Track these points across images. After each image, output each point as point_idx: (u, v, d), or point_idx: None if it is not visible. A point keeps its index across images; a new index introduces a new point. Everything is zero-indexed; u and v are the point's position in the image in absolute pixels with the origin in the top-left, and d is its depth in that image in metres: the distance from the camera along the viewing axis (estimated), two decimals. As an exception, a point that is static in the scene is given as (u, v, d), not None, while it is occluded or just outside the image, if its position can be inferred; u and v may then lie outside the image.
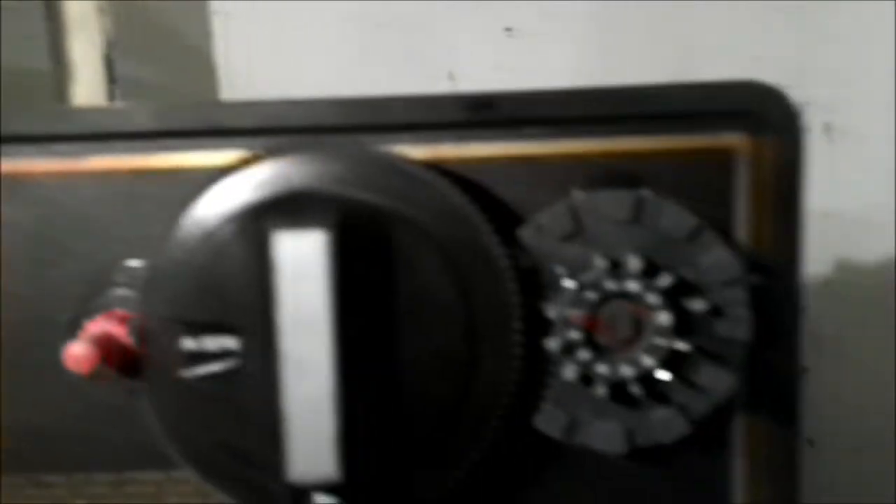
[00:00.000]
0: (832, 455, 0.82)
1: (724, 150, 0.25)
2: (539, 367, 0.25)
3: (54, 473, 0.27)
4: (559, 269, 0.25)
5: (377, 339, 0.23)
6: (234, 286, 0.23)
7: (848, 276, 0.79)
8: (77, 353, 0.23)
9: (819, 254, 0.84)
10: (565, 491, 0.26)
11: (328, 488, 0.23)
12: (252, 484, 0.24)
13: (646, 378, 0.25)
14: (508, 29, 0.82)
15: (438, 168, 0.25)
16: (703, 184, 0.25)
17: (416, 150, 0.25)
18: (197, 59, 0.72)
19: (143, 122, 0.25)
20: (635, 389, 0.25)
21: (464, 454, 0.24)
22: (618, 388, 0.25)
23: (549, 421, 0.25)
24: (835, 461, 0.82)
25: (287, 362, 0.22)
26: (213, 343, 0.24)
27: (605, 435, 0.25)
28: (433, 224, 0.24)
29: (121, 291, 0.26)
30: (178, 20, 0.71)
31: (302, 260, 0.22)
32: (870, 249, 0.74)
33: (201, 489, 0.27)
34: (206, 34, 0.72)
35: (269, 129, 0.25)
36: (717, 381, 0.25)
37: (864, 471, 0.76)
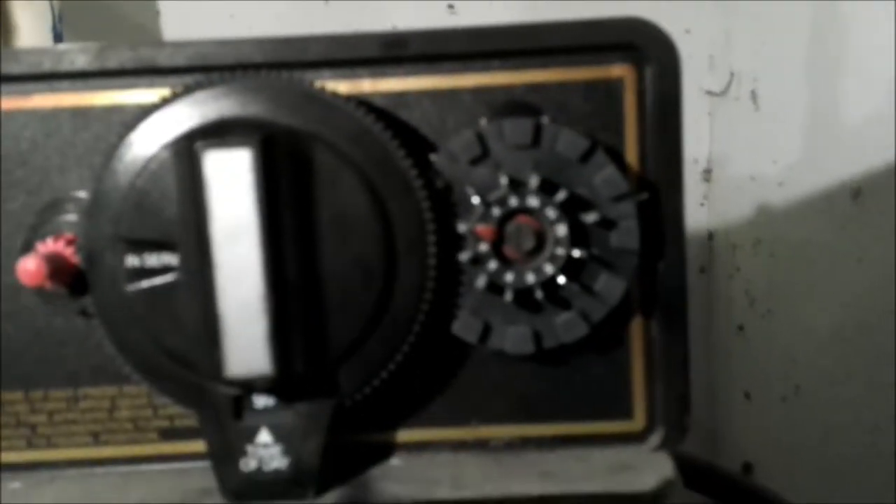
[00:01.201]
0: (765, 405, 0.86)
1: (612, 80, 0.28)
2: (453, 279, 0.28)
3: (13, 391, 0.29)
4: (468, 190, 0.28)
5: (303, 249, 0.26)
6: (170, 206, 0.26)
7: (774, 236, 0.83)
8: (28, 267, 0.25)
9: (748, 215, 0.88)
10: (479, 393, 0.29)
11: (262, 384, 0.26)
12: (196, 388, 0.27)
13: (548, 285, 0.28)
14: (451, 6, 0.85)
15: (357, 99, 0.27)
16: (594, 111, 0.28)
17: (336, 85, 0.28)
18: (143, 37, 0.73)
19: (84, 61, 0.28)
20: (539, 295, 0.27)
21: (386, 357, 0.27)
22: (524, 296, 0.28)
23: (464, 327, 0.28)
24: (767, 411, 0.86)
25: (221, 270, 0.25)
26: (153, 259, 0.26)
27: (515, 338, 0.28)
28: (352, 148, 0.27)
29: (67, 218, 0.28)
30: (125, -2, 0.72)
31: (230, 176, 0.25)
32: (793, 208, 0.78)
33: (152, 402, 0.29)
34: (154, 13, 0.73)
35: (199, 67, 0.28)
36: (612, 286, 0.28)
37: (795, 419, 0.80)
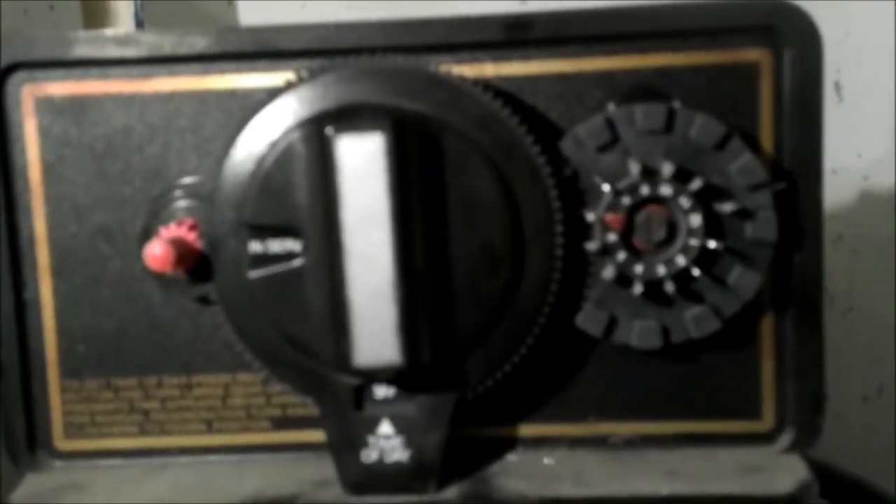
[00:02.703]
0: (845, 406, 0.84)
1: (748, 63, 0.27)
2: (580, 270, 0.27)
3: (127, 377, 0.29)
4: (597, 177, 0.27)
5: (432, 236, 0.25)
6: (296, 191, 0.25)
7: (857, 231, 0.80)
8: (156, 252, 0.25)
9: (829, 210, 0.86)
10: (604, 387, 0.28)
11: (388, 374, 0.25)
12: (317, 377, 0.26)
13: (679, 277, 0.26)
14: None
15: (483, 83, 0.26)
16: (729, 96, 0.27)
17: (458, 69, 0.27)
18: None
19: (205, 44, 0.27)
20: (670, 288, 0.26)
21: (512, 348, 0.26)
22: (653, 288, 0.27)
23: (589, 320, 0.27)
24: (847, 412, 0.83)
25: (351, 257, 0.24)
26: (277, 245, 0.26)
27: (642, 332, 0.27)
28: (479, 134, 0.26)
29: (186, 204, 0.27)
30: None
31: (363, 161, 0.24)
32: (878, 204, 0.76)
33: (265, 390, 0.29)
34: (228, 2, 0.73)
35: (320, 50, 0.27)
36: (746, 280, 0.27)
37: (876, 421, 0.78)
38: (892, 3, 0.71)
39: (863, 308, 0.80)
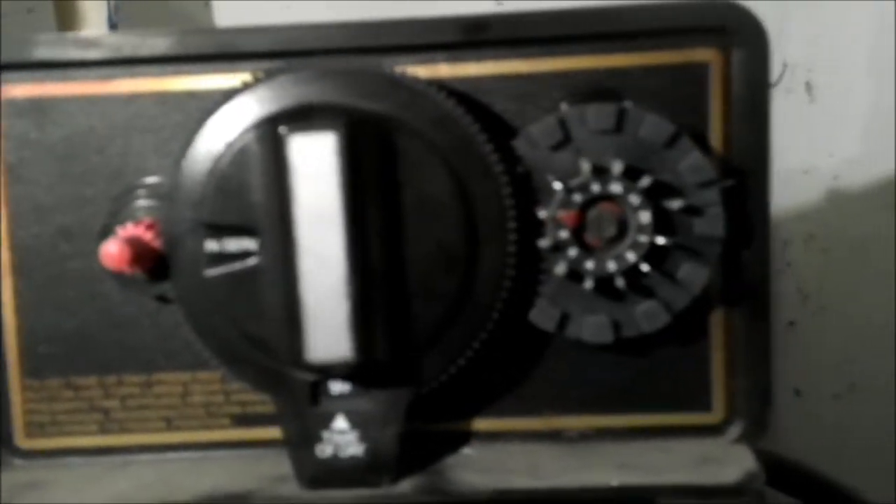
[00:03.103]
0: (817, 403, 0.85)
1: (699, 64, 0.28)
2: (533, 266, 0.28)
3: (87, 376, 0.29)
4: (549, 176, 0.27)
5: (386, 234, 0.25)
6: (252, 191, 0.25)
7: (828, 231, 0.81)
8: (112, 250, 0.25)
9: (800, 209, 0.87)
10: (558, 381, 0.29)
11: (342, 369, 0.25)
12: (273, 373, 0.27)
13: (630, 273, 0.27)
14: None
15: (438, 84, 0.27)
16: (680, 95, 0.28)
17: (414, 70, 0.27)
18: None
19: (165, 46, 0.27)
20: (620, 283, 0.27)
21: (465, 344, 0.27)
22: (604, 283, 0.27)
23: (542, 315, 0.28)
24: (819, 408, 0.84)
25: (304, 255, 0.25)
26: (233, 244, 0.26)
27: (594, 327, 0.28)
28: (434, 134, 0.26)
29: (145, 204, 0.28)
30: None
31: (315, 160, 0.24)
32: (848, 203, 0.77)
33: (224, 388, 0.29)
34: (205, 4, 0.74)
35: (279, 52, 0.27)
36: (695, 275, 0.27)
37: (847, 418, 0.79)
38: (865, 3, 0.72)
39: (834, 307, 0.81)
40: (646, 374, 0.29)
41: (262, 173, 0.25)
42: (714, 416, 0.29)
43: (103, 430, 0.29)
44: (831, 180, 0.79)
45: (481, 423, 0.29)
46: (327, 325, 0.25)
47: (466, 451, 0.29)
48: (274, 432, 0.29)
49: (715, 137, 0.28)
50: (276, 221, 0.25)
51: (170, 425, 0.29)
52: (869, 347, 0.75)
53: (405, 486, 0.27)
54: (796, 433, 0.86)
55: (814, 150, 0.81)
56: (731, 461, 0.28)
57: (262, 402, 0.29)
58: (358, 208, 0.24)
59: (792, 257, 0.87)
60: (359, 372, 0.26)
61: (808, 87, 0.82)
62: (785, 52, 0.86)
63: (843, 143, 0.76)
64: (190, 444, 0.29)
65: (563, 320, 0.28)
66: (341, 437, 0.27)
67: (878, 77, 0.72)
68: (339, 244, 0.24)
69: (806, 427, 0.85)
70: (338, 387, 0.27)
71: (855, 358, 0.77)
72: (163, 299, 0.28)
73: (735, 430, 0.29)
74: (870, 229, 0.73)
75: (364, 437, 0.27)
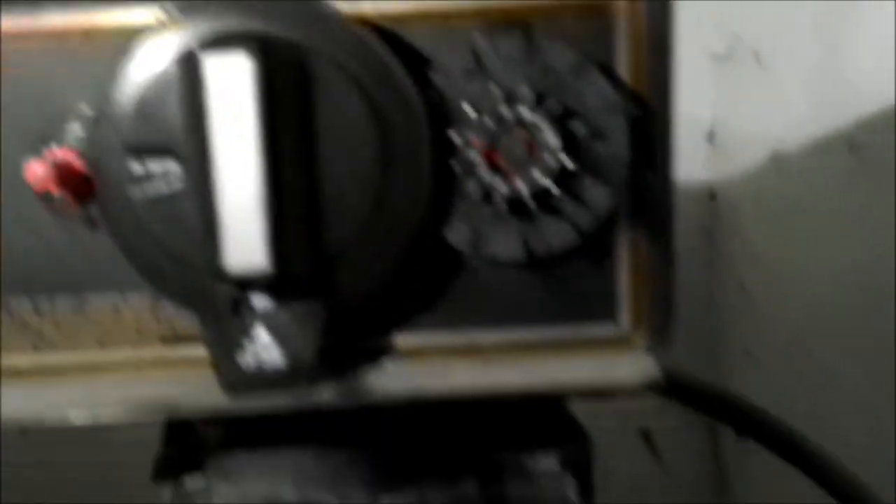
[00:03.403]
0: (766, 361, 0.87)
1: (605, 6, 0.29)
2: (448, 189, 0.29)
3: (19, 296, 0.30)
4: (463, 103, 0.29)
5: (301, 153, 0.27)
6: (173, 113, 0.27)
7: (776, 194, 0.83)
8: (36, 170, 0.26)
9: (750, 174, 0.89)
10: (474, 298, 0.30)
11: (261, 281, 0.27)
12: (197, 290, 0.28)
13: (539, 194, 0.28)
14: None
15: (356, 17, 0.28)
16: (588, 31, 0.29)
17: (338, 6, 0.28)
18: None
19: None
20: (530, 204, 0.28)
21: (381, 259, 0.28)
22: (515, 204, 0.29)
23: (457, 234, 0.29)
24: (768, 367, 0.87)
25: (221, 172, 0.26)
26: (157, 166, 0.27)
27: (506, 245, 0.29)
28: (351, 62, 0.27)
29: (74, 133, 0.29)
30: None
31: (231, 80, 0.25)
32: (794, 166, 0.79)
33: (154, 308, 0.30)
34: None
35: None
36: (601, 196, 0.29)
37: (795, 374, 0.81)
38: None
39: (782, 268, 0.84)
40: (557, 291, 0.30)
41: (180, 95, 0.26)
42: (621, 329, 0.31)
43: (37, 350, 0.30)
44: (778, 144, 0.81)
45: (401, 340, 0.31)
46: (244, 238, 0.26)
47: (386, 364, 0.30)
48: (202, 351, 0.30)
49: (622, 70, 0.29)
50: (194, 141, 0.26)
51: (102, 345, 0.31)
52: (815, 304, 0.78)
53: (324, 393, 0.29)
54: (747, 391, 0.88)
55: (762, 117, 0.83)
56: (634, 368, 0.29)
57: (190, 323, 0.30)
58: (272, 127, 0.26)
59: (743, 221, 0.89)
60: (277, 285, 0.27)
61: (757, 56, 0.84)
62: (733, 22, 0.88)
63: (790, 109, 0.78)
64: (121, 363, 0.31)
65: (477, 239, 0.29)
66: (262, 348, 0.28)
67: (822, 43, 0.74)
68: (254, 161, 0.26)
69: (756, 385, 0.87)
70: (259, 301, 0.28)
71: (801, 315, 0.79)
72: (91, 222, 0.29)
73: (641, 341, 0.30)
74: (813, 189, 0.75)
75: (284, 347, 0.28)
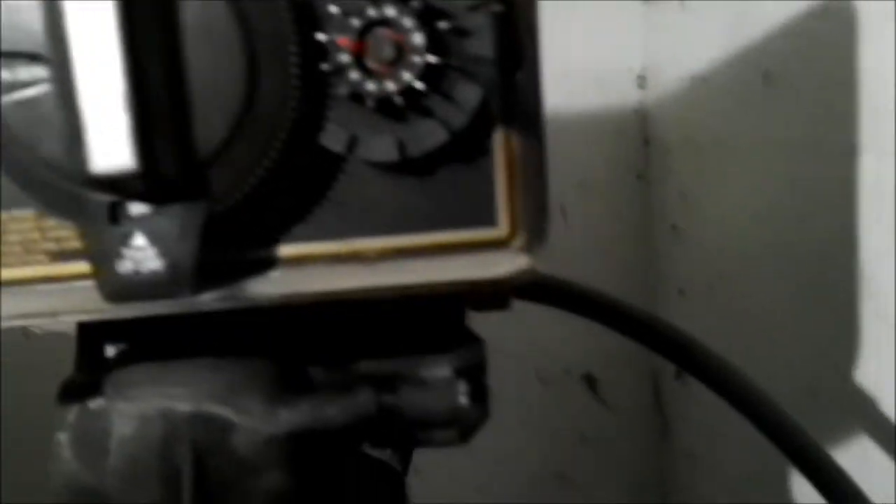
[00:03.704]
0: (695, 298, 0.89)
1: None
2: (319, 91, 0.29)
3: None
4: (328, 3, 0.29)
5: (164, 52, 0.27)
6: (35, 17, 0.27)
7: (699, 130, 0.85)
8: None
9: (678, 115, 0.90)
10: (355, 206, 0.31)
11: (132, 183, 0.27)
12: (74, 198, 0.28)
13: (408, 93, 0.29)
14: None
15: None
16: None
17: None
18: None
19: None
20: (400, 102, 0.29)
21: (254, 162, 0.29)
22: (386, 104, 0.29)
23: (331, 137, 0.30)
24: (697, 303, 0.89)
25: (84, 73, 0.26)
26: (25, 72, 0.27)
27: (380, 146, 0.30)
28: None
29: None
30: None
31: (88, -20, 0.26)
32: (714, 101, 0.80)
33: (40, 225, 0.31)
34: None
35: None
36: (468, 94, 0.29)
37: (720, 307, 0.83)
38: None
39: (709, 204, 0.85)
40: (437, 196, 0.31)
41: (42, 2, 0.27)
42: (500, 231, 0.31)
43: (-77, 270, 0.31)
44: (701, 83, 0.82)
45: (284, 250, 0.31)
46: (109, 137, 0.26)
47: (270, 273, 0.31)
48: (87, 266, 0.30)
49: (485, -30, 0.30)
50: (55, 41, 0.26)
51: (-11, 263, 0.31)
52: (735, 237, 0.79)
53: (205, 297, 0.29)
54: (684, 313, 0.90)
55: (687, 58, 0.84)
56: (511, 265, 0.30)
57: (75, 238, 0.30)
58: (131, 24, 0.26)
59: (673, 163, 0.91)
60: (150, 189, 0.27)
61: (680, -4, 0.85)
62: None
63: (711, 46, 0.80)
64: (9, 280, 0.31)
65: (352, 142, 0.30)
66: (141, 253, 0.29)
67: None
68: (116, 61, 0.26)
69: (689, 324, 0.89)
70: (137, 208, 0.29)
71: (724, 249, 0.81)
72: (-35, 134, 0.29)
73: (518, 242, 0.31)
74: (731, 123, 0.77)
75: (163, 253, 0.29)
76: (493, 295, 0.38)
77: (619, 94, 0.95)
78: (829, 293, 0.63)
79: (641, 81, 0.95)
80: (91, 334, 0.37)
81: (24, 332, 0.87)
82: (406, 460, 0.40)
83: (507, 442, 0.99)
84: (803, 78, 0.64)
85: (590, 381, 1.01)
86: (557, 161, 1.11)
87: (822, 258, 0.64)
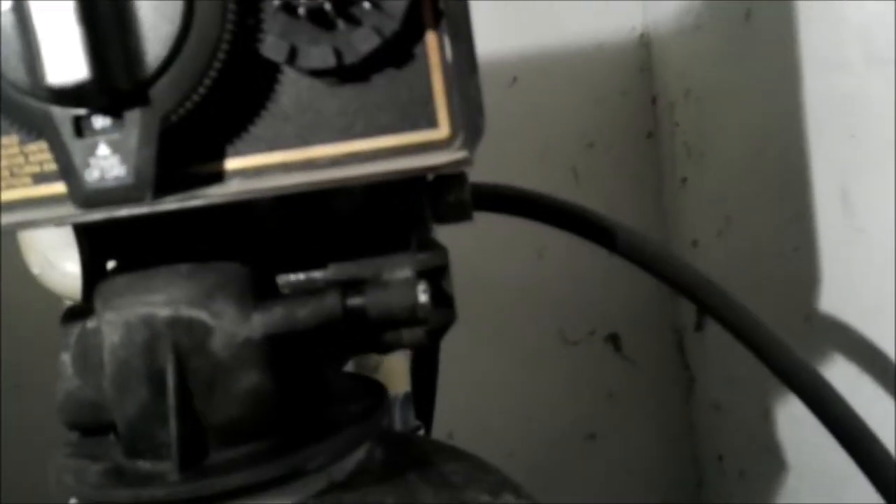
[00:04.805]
0: (707, 246, 0.90)
1: None
2: (254, 5, 0.32)
3: None
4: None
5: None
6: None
7: (697, 80, 0.86)
8: None
9: (679, 69, 0.91)
10: (302, 115, 0.33)
11: (88, 95, 0.30)
12: (42, 116, 0.31)
13: (339, 2, 0.32)
14: None
15: None
16: None
17: None
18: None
19: None
20: (330, 11, 0.32)
21: (199, 73, 0.31)
22: (317, 15, 0.32)
23: (272, 48, 0.32)
24: (709, 252, 0.89)
25: (39, -5, 0.29)
26: (-8, 2, 0.31)
27: (319, 55, 0.32)
28: None
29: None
30: None
31: None
32: (708, 49, 0.81)
33: (23, 150, 0.34)
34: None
35: None
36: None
37: (729, 252, 0.84)
38: None
39: (714, 153, 0.86)
40: (377, 102, 0.34)
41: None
42: (441, 132, 0.34)
43: (-80, 196, 0.34)
44: (695, 32, 0.83)
45: (237, 162, 0.34)
46: (64, 51, 0.29)
47: (229, 182, 0.34)
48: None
49: None
50: (15, -30, 0.30)
51: (-22, 188, 0.34)
52: (737, 181, 0.80)
53: (167, 201, 0.32)
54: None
55: (687, 12, 0.85)
56: (446, 156, 0.33)
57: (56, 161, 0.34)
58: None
59: (678, 117, 0.92)
60: (106, 100, 0.31)
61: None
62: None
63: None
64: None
65: (292, 52, 0.32)
66: (105, 162, 0.32)
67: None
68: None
69: (697, 259, 0.90)
70: (99, 121, 0.32)
71: (729, 194, 0.82)
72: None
73: (458, 140, 0.34)
74: (718, 67, 0.78)
75: (125, 160, 0.32)
76: (454, 205, 0.40)
77: (624, 54, 0.96)
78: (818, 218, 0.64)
79: (644, 39, 0.96)
80: (91, 263, 0.41)
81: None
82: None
83: (536, 402, 1.00)
84: (783, 11, 0.65)
85: (614, 341, 1.03)
86: (567, 123, 1.14)
87: (805, 186, 0.65)
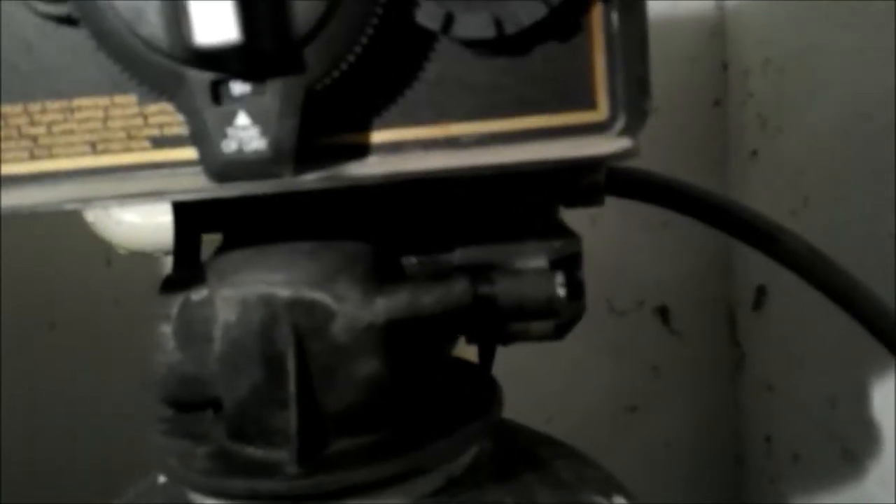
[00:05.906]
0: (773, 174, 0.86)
1: None
2: (412, -28, 0.29)
3: (13, 103, 0.31)
4: None
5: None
6: None
7: (781, 50, 0.82)
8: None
9: (758, 36, 0.88)
10: (450, 89, 0.31)
11: (233, 56, 0.27)
12: (176, 77, 0.29)
13: (503, -31, 0.29)
14: None
15: None
16: None
17: None
18: None
19: None
20: (494, -23, 0.29)
21: (350, 40, 0.28)
22: (479, -17, 0.29)
23: (427, 15, 0.29)
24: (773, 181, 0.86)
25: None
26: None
27: (478, 23, 0.29)
28: None
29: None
30: None
31: None
32: (797, 18, 0.77)
33: (143, 110, 0.31)
34: None
35: None
36: (567, -30, 0.29)
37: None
38: None
39: (793, 127, 0.83)
40: (532, 77, 0.31)
41: None
42: (599, 114, 0.31)
43: (32, 157, 0.32)
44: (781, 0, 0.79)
45: (379, 135, 0.31)
46: (213, 10, 0.26)
47: (367, 157, 0.31)
48: (191, 152, 0.31)
49: None
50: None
51: (94, 149, 0.31)
52: (819, 160, 0.77)
53: (307, 177, 0.29)
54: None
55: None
56: (610, 145, 0.30)
57: (178, 124, 0.31)
58: None
59: (753, 87, 0.89)
60: (250, 65, 0.28)
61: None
62: None
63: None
64: (114, 167, 0.32)
65: (448, 19, 0.29)
66: (244, 133, 0.29)
67: None
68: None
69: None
70: (238, 88, 0.29)
71: (808, 172, 0.79)
72: (68, 21, 0.30)
73: (619, 124, 0.31)
74: (815, 37, 0.74)
75: (265, 132, 0.29)
76: (587, 189, 0.37)
77: (696, 18, 0.92)
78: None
79: (719, 3, 0.92)
80: (187, 230, 0.38)
81: (107, 258, 0.90)
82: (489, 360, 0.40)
83: (579, 370, 0.99)
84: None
85: (663, 314, 1.00)
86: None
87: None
